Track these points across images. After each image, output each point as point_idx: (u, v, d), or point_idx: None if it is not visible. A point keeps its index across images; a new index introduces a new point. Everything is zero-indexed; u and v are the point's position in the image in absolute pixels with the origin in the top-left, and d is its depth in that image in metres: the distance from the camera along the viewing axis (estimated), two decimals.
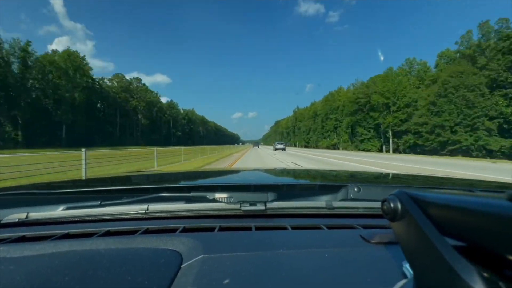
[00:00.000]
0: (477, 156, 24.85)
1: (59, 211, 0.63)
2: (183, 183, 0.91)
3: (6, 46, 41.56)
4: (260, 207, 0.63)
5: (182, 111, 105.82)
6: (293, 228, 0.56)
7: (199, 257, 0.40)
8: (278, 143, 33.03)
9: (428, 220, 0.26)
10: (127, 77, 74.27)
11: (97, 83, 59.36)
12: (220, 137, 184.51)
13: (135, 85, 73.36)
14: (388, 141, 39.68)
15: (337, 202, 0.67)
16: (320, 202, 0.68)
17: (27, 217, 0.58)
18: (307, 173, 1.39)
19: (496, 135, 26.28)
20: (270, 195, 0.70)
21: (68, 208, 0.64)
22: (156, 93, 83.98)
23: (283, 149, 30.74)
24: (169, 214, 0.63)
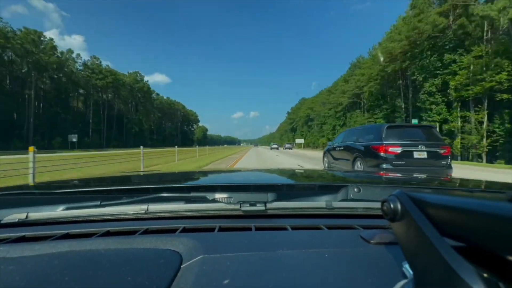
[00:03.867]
0: None
1: (59, 211, 0.63)
2: (183, 183, 0.92)
3: None
4: (260, 207, 0.63)
5: None
6: (293, 228, 0.56)
7: (199, 257, 0.40)
8: (273, 144, 51.88)
9: (428, 220, 0.26)
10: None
11: None
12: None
13: None
14: None
15: (337, 203, 0.67)
16: (320, 202, 0.68)
17: (27, 217, 0.58)
18: (307, 173, 1.39)
19: None
20: (270, 196, 0.70)
21: (68, 208, 0.64)
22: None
23: (277, 148, 44.74)
24: (169, 214, 0.63)
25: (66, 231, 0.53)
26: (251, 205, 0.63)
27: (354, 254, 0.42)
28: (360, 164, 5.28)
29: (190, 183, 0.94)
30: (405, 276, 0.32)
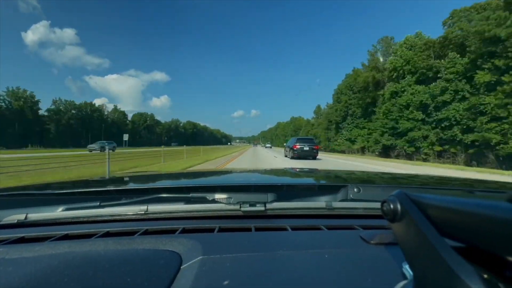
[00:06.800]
0: None
1: (58, 212, 0.63)
2: (182, 184, 0.92)
3: None
4: (260, 207, 0.63)
5: None
6: (293, 229, 0.56)
7: (199, 258, 0.40)
8: (267, 144, 78.32)
9: (427, 221, 0.26)
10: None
11: None
12: None
13: None
14: None
15: (337, 203, 0.68)
16: (320, 202, 0.68)
17: (26, 218, 0.58)
18: (307, 174, 1.38)
19: None
20: (270, 196, 0.70)
21: (67, 209, 0.64)
22: None
23: (270, 147, 60.41)
24: (168, 215, 0.63)
25: (66, 232, 0.53)
26: (251, 205, 0.63)
27: (354, 255, 0.42)
28: (290, 152, 15.52)
29: (189, 184, 0.93)
30: (405, 277, 0.32)
